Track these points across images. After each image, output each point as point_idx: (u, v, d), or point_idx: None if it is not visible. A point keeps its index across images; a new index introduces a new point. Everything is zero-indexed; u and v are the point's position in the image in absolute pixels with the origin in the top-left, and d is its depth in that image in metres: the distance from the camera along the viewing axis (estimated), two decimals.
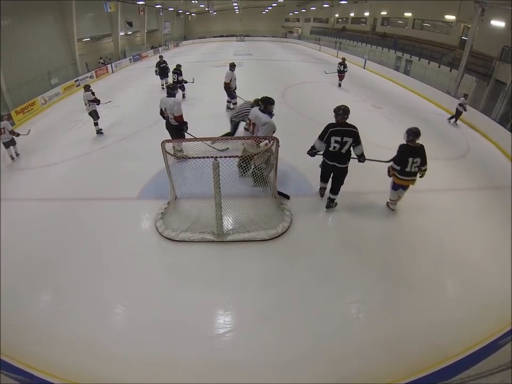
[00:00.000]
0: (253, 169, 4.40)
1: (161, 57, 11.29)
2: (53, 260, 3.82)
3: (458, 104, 8.56)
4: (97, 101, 7.41)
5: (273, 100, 4.33)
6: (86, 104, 7.34)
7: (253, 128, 4.32)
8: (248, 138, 4.41)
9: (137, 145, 6.85)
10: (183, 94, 10.11)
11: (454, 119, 8.85)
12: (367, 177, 5.41)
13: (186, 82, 9.96)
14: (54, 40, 14.37)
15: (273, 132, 4.18)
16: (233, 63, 8.48)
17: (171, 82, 8.99)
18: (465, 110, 8.53)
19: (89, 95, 7.29)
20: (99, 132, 7.65)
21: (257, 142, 4.08)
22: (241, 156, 4.25)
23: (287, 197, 4.70)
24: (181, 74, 9.74)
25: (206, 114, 8.57)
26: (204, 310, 3.15)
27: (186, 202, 4.51)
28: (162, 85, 11.26)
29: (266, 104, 4.26)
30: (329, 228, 4.47)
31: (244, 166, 4.27)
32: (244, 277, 3.51)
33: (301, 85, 11.90)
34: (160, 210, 4.42)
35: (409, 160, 3.96)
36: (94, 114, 7.46)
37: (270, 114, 4.32)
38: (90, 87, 7.58)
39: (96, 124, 7.60)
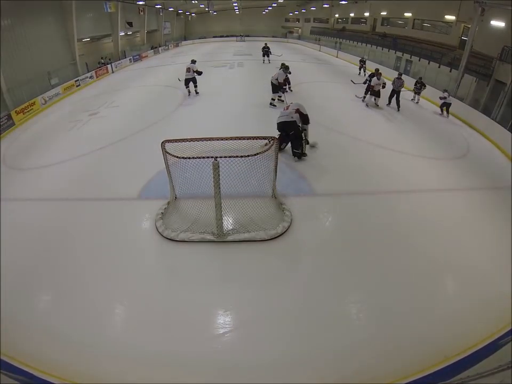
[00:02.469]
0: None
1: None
2: (53, 260, 3.82)
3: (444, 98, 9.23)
4: (199, 73, 9.61)
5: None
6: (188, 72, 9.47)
7: (288, 106, 5.98)
8: (248, 138, 4.42)
9: (137, 145, 6.85)
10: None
11: (445, 112, 9.39)
12: (368, 178, 5.42)
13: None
14: (54, 40, 14.35)
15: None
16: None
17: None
18: (450, 102, 9.23)
19: (194, 66, 9.48)
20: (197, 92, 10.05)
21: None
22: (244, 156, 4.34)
23: (305, 155, 6.02)
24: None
25: (206, 113, 8.58)
26: (204, 310, 3.15)
27: (186, 202, 4.52)
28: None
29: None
30: (328, 228, 4.46)
31: (284, 137, 5.99)
32: (244, 277, 3.51)
33: (301, 85, 11.88)
34: (160, 210, 4.42)
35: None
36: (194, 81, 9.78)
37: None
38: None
39: (195, 87, 10.01)
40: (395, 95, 9.52)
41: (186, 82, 9.75)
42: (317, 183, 5.20)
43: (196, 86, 10.02)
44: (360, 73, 14.92)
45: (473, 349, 2.62)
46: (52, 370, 2.61)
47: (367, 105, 9.70)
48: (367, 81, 10.01)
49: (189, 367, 2.67)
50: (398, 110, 9.48)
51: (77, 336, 2.90)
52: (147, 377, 2.58)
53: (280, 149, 5.62)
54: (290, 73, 9.14)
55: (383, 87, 9.40)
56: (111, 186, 5.32)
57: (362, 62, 14.95)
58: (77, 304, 3.22)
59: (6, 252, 3.88)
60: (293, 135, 5.81)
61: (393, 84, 9.50)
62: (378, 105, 9.64)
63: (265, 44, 18.00)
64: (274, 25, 38.11)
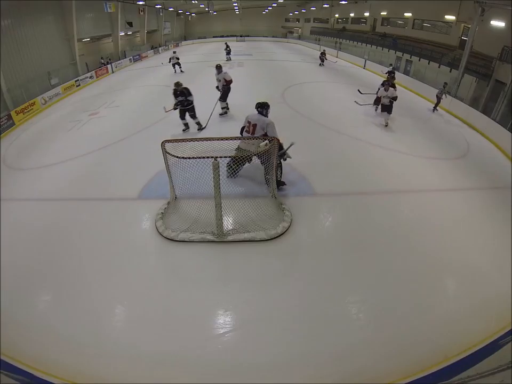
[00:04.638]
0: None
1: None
2: (53, 260, 3.82)
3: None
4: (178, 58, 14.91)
5: (268, 104, 4.78)
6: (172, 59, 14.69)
7: (253, 129, 4.59)
8: (249, 138, 4.42)
9: (137, 145, 6.85)
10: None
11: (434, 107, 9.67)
12: (368, 178, 5.42)
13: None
14: (54, 40, 14.38)
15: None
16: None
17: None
18: (445, 96, 9.46)
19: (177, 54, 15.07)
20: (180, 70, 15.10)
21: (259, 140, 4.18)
22: (236, 156, 4.30)
23: (284, 183, 4.97)
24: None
25: (206, 113, 8.56)
26: (204, 310, 3.15)
27: (186, 202, 4.51)
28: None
29: (265, 108, 4.74)
30: (329, 228, 4.46)
31: (235, 168, 4.59)
32: (244, 277, 3.51)
33: (301, 85, 11.90)
34: (160, 210, 4.42)
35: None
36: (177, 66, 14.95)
37: (267, 116, 4.81)
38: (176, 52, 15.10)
39: (180, 67, 15.10)
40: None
41: (173, 65, 14.69)
42: (317, 183, 5.20)
43: (180, 67, 15.01)
44: (321, 64, 16.85)
45: (473, 349, 2.61)
46: (51, 370, 2.60)
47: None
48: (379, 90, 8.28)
49: (189, 367, 2.67)
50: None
51: (77, 336, 2.90)
52: (147, 377, 2.58)
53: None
54: (219, 73, 8.03)
55: (391, 101, 7.53)
56: (111, 186, 5.31)
57: (323, 55, 17.00)
58: (77, 304, 3.22)
59: (6, 252, 3.88)
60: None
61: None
62: (386, 125, 7.77)
63: (226, 43, 20.24)
64: (274, 25, 38.16)
